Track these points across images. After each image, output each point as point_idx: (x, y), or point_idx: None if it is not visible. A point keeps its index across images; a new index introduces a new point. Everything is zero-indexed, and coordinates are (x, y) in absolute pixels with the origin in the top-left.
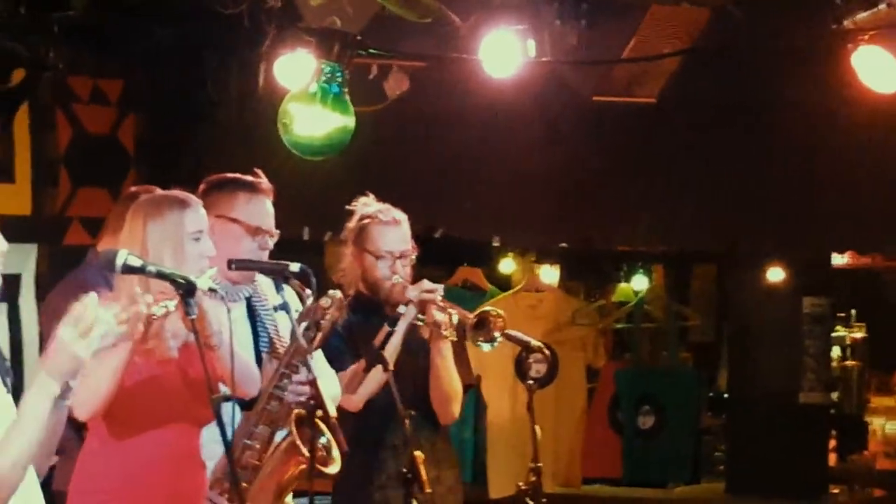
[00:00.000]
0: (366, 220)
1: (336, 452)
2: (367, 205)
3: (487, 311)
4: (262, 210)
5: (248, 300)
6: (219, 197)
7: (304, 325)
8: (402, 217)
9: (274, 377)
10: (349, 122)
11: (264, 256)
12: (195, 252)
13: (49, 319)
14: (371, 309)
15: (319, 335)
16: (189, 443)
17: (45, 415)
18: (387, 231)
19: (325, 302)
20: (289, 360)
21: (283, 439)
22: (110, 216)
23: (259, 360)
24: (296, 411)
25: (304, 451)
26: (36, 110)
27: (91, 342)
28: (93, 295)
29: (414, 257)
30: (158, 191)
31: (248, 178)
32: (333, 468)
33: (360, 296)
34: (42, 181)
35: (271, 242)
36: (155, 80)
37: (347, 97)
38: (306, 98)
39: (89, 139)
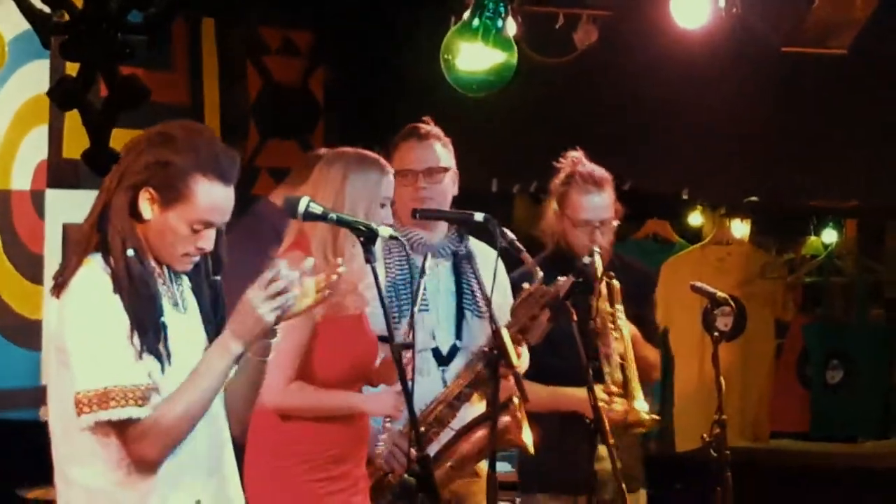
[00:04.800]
0: (567, 184)
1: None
2: (576, 162)
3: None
4: (404, 153)
5: (455, 255)
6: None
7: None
8: (605, 178)
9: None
10: (511, 58)
11: (431, 196)
12: (383, 216)
13: (228, 278)
14: (566, 268)
15: (548, 316)
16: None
17: (223, 374)
18: (586, 199)
19: (561, 285)
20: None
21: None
22: (295, 171)
23: (461, 316)
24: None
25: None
26: (225, 61)
27: (277, 307)
28: (284, 262)
29: (615, 224)
30: None
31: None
32: (520, 430)
33: (559, 252)
34: (231, 132)
35: (427, 181)
36: (345, 32)
37: (510, 33)
38: (468, 35)
39: (279, 90)
